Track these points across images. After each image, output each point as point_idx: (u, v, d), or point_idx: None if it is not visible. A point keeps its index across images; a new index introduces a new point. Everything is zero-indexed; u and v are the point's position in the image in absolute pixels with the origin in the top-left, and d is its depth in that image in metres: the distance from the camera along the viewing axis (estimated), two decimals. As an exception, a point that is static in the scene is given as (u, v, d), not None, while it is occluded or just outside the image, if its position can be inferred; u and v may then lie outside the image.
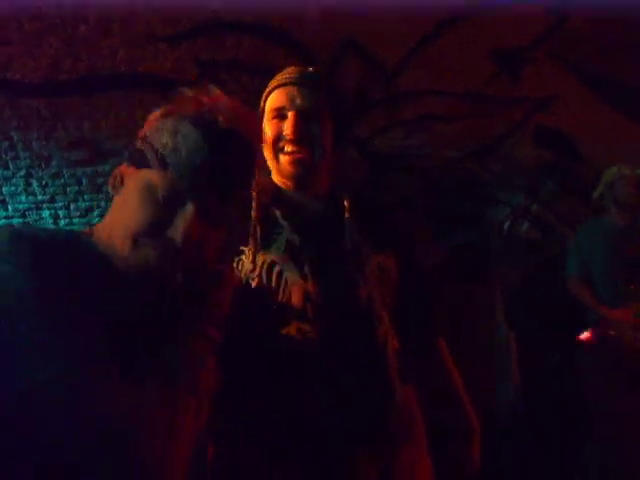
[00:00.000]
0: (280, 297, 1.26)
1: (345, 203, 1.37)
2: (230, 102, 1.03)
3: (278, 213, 1.34)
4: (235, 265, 1.31)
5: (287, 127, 1.33)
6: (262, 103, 1.44)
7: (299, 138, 1.32)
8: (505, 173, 4.37)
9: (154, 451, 0.88)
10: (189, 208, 0.95)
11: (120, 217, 0.98)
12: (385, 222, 1.46)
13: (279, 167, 1.37)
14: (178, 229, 0.94)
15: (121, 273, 0.93)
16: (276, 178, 1.42)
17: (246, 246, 1.31)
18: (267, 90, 1.42)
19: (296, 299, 1.25)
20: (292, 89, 1.36)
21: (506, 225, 4.75)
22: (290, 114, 1.34)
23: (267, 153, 1.38)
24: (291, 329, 1.23)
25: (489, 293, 4.47)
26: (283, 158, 1.35)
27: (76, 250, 0.97)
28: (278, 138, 1.35)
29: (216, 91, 1.04)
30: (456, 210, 4.62)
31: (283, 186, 1.41)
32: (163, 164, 0.96)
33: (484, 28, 3.12)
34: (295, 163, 1.34)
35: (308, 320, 1.23)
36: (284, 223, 1.32)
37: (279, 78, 1.40)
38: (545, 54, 3.32)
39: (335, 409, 1.20)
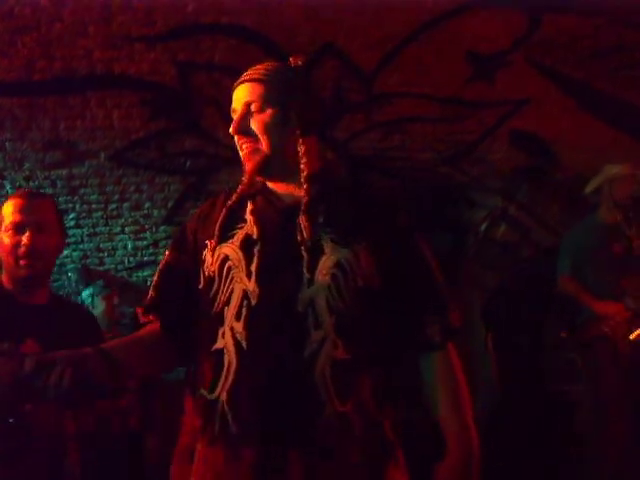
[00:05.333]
0: (224, 293, 1.25)
1: (304, 185, 1.31)
2: None
3: (249, 207, 1.33)
4: (202, 258, 1.32)
5: (231, 126, 1.34)
6: None
7: (240, 132, 1.32)
8: (481, 176, 4.41)
9: None
10: None
11: None
12: (370, 217, 1.36)
13: (244, 163, 1.36)
14: None
15: None
16: None
17: (211, 240, 1.31)
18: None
19: (235, 297, 1.24)
20: (240, 88, 1.37)
21: (483, 227, 4.78)
22: (234, 115, 1.35)
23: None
24: (226, 328, 1.22)
25: (466, 295, 4.49)
26: (241, 155, 1.35)
27: None
28: (236, 138, 1.36)
29: None
30: (433, 212, 4.64)
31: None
32: None
33: (461, 32, 3.15)
34: (247, 157, 1.33)
35: (240, 320, 1.22)
36: (249, 217, 1.31)
37: (237, 81, 1.39)
38: (521, 59, 3.36)
39: (248, 414, 1.17)
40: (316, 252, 1.26)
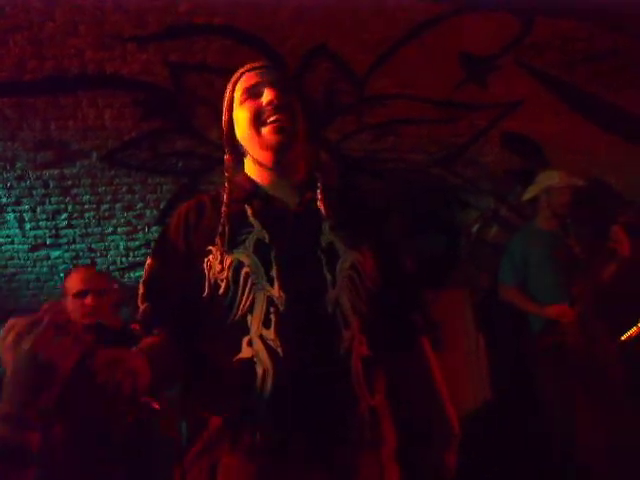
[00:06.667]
0: (245, 301, 1.24)
1: (318, 193, 1.35)
2: None
3: (249, 211, 1.32)
4: (205, 266, 1.28)
5: (268, 97, 1.31)
6: (229, 93, 1.41)
7: (282, 105, 1.31)
8: (474, 178, 4.43)
9: None
10: None
11: None
12: (364, 219, 1.42)
13: (261, 140, 1.33)
14: None
15: None
16: (256, 156, 1.37)
17: (214, 246, 1.28)
18: (234, 79, 1.41)
19: (260, 304, 1.22)
20: (263, 71, 1.37)
21: (475, 228, 4.80)
22: (267, 88, 1.32)
23: (245, 135, 1.36)
24: (254, 336, 1.21)
25: (458, 296, 4.51)
26: (266, 129, 1.31)
27: None
28: (258, 113, 1.32)
29: None
30: (427, 214, 4.65)
31: (258, 179, 1.39)
32: None
33: (453, 35, 3.16)
34: (280, 131, 1.31)
35: (271, 327, 1.20)
36: (254, 221, 1.30)
37: (245, 67, 1.41)
38: (512, 61, 3.38)
39: (292, 418, 1.18)
40: (331, 254, 1.28)
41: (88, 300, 2.33)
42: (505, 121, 3.85)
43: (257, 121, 1.32)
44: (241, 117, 1.35)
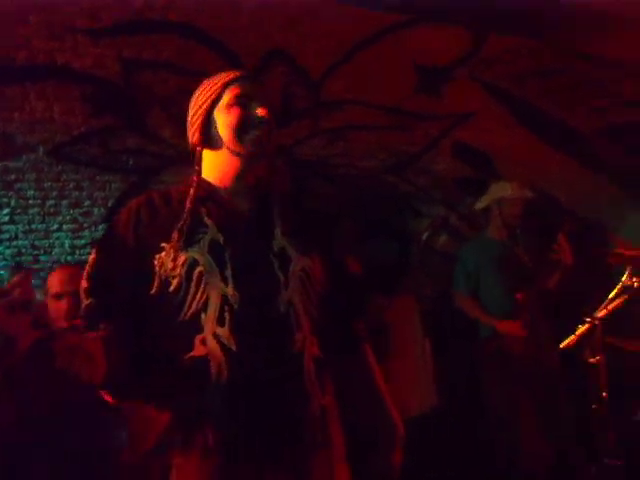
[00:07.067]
0: (198, 299, 1.24)
1: (273, 199, 1.40)
2: None
3: (204, 211, 1.33)
4: (156, 262, 1.28)
5: (260, 112, 1.36)
6: (214, 92, 1.41)
7: (268, 121, 1.36)
8: (425, 186, 4.49)
9: None
10: None
11: None
12: (314, 224, 1.47)
13: (239, 147, 1.36)
14: None
15: None
16: (233, 148, 1.39)
17: (169, 243, 1.28)
18: (223, 81, 1.41)
19: (214, 303, 1.23)
20: (253, 85, 1.42)
21: (424, 236, 4.87)
22: (261, 105, 1.37)
23: (227, 136, 1.38)
24: (207, 334, 1.22)
25: (409, 302, 4.55)
26: (248, 138, 1.36)
27: None
28: (244, 122, 1.36)
29: None
30: (377, 220, 4.69)
31: (217, 182, 1.41)
32: None
33: (409, 45, 3.22)
34: (260, 144, 1.36)
35: (225, 325, 1.22)
36: (209, 222, 1.31)
37: (235, 72, 1.43)
38: (466, 74, 3.45)
39: (246, 417, 1.20)
40: (283, 258, 1.31)
41: (63, 304, 2.17)
42: (457, 131, 3.93)
43: (241, 129, 1.36)
44: (225, 120, 1.38)
